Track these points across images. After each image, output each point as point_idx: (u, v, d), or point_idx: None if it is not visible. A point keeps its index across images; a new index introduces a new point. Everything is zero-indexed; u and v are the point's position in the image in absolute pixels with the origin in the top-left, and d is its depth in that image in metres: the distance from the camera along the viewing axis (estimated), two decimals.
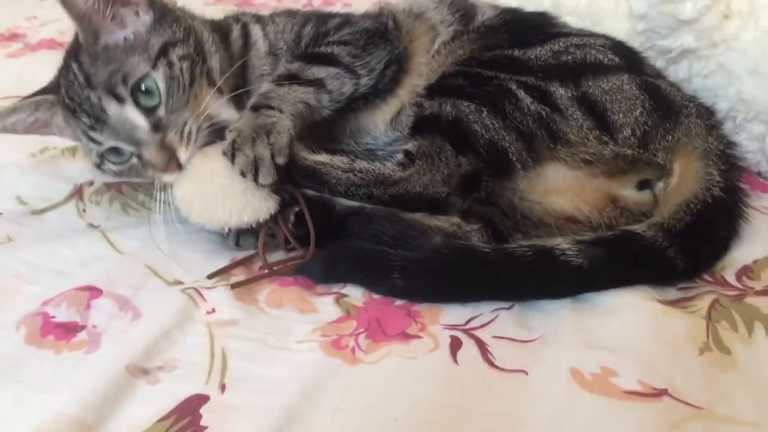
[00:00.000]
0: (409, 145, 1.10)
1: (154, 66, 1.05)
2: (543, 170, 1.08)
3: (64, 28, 1.91)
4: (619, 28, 1.35)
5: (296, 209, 1.05)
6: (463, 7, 1.31)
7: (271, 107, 1.06)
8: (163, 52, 1.07)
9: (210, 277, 1.02)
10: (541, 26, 1.28)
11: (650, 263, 1.00)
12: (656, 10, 1.23)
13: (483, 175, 1.06)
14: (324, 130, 1.17)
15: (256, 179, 1.00)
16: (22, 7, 2.12)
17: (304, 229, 1.04)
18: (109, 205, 1.19)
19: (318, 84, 1.12)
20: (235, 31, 1.24)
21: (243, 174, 1.00)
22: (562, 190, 1.08)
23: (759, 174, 1.30)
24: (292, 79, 1.12)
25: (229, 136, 1.03)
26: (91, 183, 1.22)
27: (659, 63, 1.31)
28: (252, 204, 1.02)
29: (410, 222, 1.04)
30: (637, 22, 1.29)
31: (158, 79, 1.04)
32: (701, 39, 1.25)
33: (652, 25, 1.26)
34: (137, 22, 1.09)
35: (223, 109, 1.10)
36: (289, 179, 1.04)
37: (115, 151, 1.07)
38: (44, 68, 1.62)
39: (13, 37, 1.89)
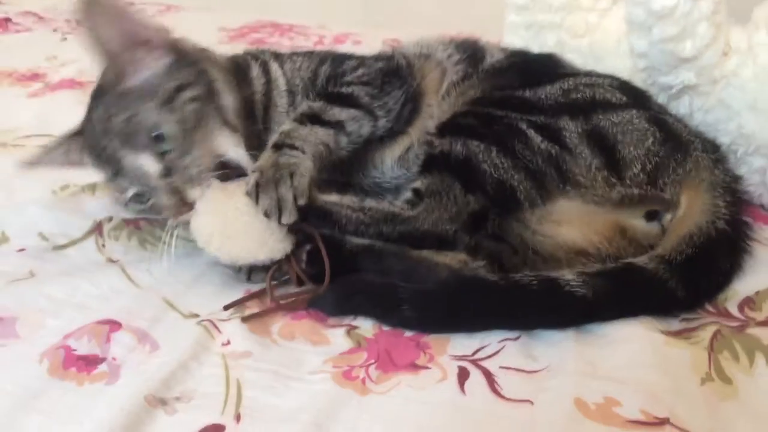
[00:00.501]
0: (418, 183, 1.13)
1: (165, 111, 1.08)
2: (553, 206, 1.10)
3: (84, 68, 1.96)
4: (622, 66, 1.39)
5: (308, 248, 1.08)
6: (471, 48, 1.36)
7: (293, 147, 1.09)
8: (174, 96, 1.10)
9: (226, 308, 1.05)
10: (550, 67, 1.32)
11: (652, 294, 1.03)
12: (657, 49, 1.26)
13: (490, 213, 1.09)
14: (332, 163, 1.19)
15: (279, 220, 1.02)
16: (43, 47, 2.17)
17: (316, 266, 1.07)
18: (128, 240, 1.23)
19: (338, 126, 1.16)
20: (255, 69, 1.28)
21: (267, 215, 1.03)
22: (573, 221, 1.11)
23: (762, 206, 1.33)
24: (313, 118, 1.15)
25: (252, 177, 1.05)
26: (110, 219, 1.26)
27: (661, 99, 1.34)
28: (269, 244, 1.05)
29: (418, 259, 1.07)
30: (639, 60, 1.32)
31: (169, 124, 1.08)
32: (701, 75, 1.28)
33: (654, 63, 1.30)
34: (157, 64, 1.13)
35: (231, 148, 1.12)
36: (303, 219, 1.07)
37: (137, 194, 1.12)
38: (64, 107, 1.70)
39: (34, 76, 1.94)
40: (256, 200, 1.03)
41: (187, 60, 1.17)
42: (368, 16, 2.70)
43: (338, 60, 1.34)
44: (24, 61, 2.03)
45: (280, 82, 1.28)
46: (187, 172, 1.07)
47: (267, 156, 1.08)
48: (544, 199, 1.10)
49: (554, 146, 1.11)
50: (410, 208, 1.10)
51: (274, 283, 1.08)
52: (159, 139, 1.07)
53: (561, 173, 1.10)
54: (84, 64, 1.99)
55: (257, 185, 1.04)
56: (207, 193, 1.07)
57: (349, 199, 1.11)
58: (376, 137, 1.23)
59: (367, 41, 2.14)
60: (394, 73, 1.28)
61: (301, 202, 1.04)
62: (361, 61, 1.34)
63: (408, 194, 1.13)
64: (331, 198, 1.10)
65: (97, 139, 1.12)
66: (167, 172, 1.08)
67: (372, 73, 1.27)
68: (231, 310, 1.05)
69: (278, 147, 1.10)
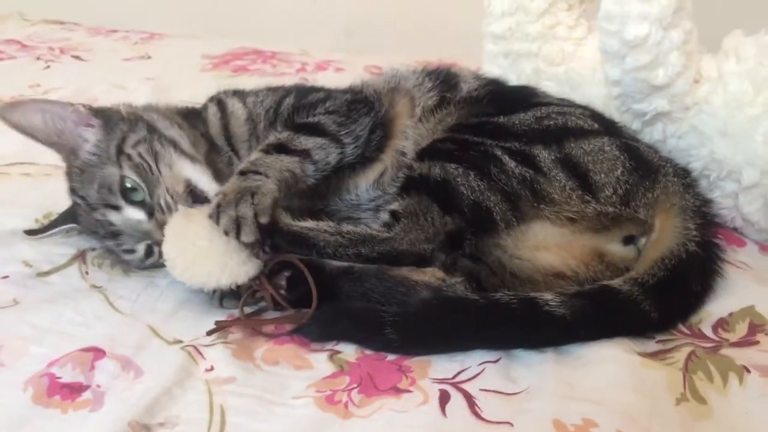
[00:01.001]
0: (396, 205, 1.14)
1: (120, 166, 1.15)
2: (528, 228, 1.12)
3: (68, 96, 1.98)
4: (597, 93, 1.42)
5: (287, 274, 1.10)
6: (444, 75, 1.38)
7: (257, 172, 1.12)
8: (120, 149, 1.17)
9: (209, 334, 1.06)
10: (524, 96, 1.35)
11: (627, 316, 1.05)
12: (630, 77, 1.30)
13: (466, 233, 1.11)
14: (307, 189, 1.22)
15: (238, 237, 1.04)
16: (27, 75, 2.18)
17: (296, 292, 1.09)
18: (111, 267, 1.23)
19: (304, 154, 1.18)
20: (211, 107, 1.35)
21: (226, 233, 1.05)
22: (550, 246, 1.13)
23: (735, 229, 1.36)
24: (279, 147, 1.17)
25: (215, 199, 1.08)
26: (93, 249, 1.27)
27: (635, 125, 1.37)
28: (230, 267, 1.06)
29: (398, 278, 1.08)
30: (613, 88, 1.35)
31: (129, 174, 1.15)
32: (674, 103, 1.31)
33: (627, 91, 1.33)
34: (94, 133, 1.21)
35: (194, 174, 1.18)
36: (274, 246, 1.09)
37: (148, 247, 1.17)
38: None
39: None
40: (217, 220, 1.05)
41: (115, 118, 1.23)
42: (351, 44, 2.73)
43: (303, 92, 1.38)
44: (7, 89, 2.03)
45: (239, 114, 1.33)
46: (164, 204, 1.13)
47: (231, 181, 1.11)
48: (519, 220, 1.11)
49: (528, 170, 1.14)
50: (387, 229, 1.11)
51: (250, 309, 1.11)
52: (129, 190, 1.15)
53: (535, 194, 1.12)
54: (67, 92, 2.01)
55: (218, 206, 1.06)
56: (171, 220, 1.10)
57: (325, 224, 1.12)
58: (346, 164, 1.25)
59: (350, 68, 2.17)
60: (362, 102, 1.31)
61: (263, 220, 1.05)
62: (328, 93, 1.37)
63: (385, 216, 1.15)
64: (307, 224, 1.11)
65: (87, 219, 1.19)
66: (151, 212, 1.14)
67: (339, 103, 1.30)
68: (214, 336, 1.06)
69: (243, 173, 1.12)
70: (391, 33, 2.74)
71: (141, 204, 1.14)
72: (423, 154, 1.19)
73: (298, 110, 1.30)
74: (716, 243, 1.18)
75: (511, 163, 1.14)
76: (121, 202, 1.14)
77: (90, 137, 1.20)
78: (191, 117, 1.34)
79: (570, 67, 1.49)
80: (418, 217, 1.11)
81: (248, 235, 1.04)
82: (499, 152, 1.16)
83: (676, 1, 1.23)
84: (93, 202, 1.16)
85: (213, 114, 1.33)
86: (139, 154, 1.16)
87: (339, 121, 1.25)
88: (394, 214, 1.13)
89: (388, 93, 1.36)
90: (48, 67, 2.29)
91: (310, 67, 2.30)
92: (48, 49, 2.45)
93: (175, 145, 1.21)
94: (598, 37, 1.33)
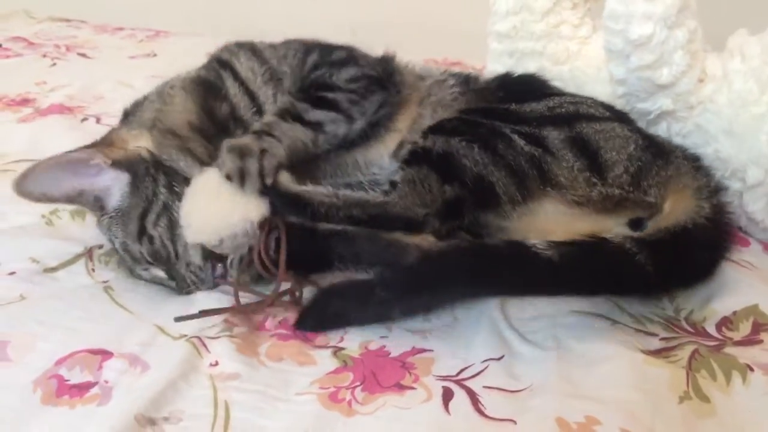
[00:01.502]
0: (397, 176, 1.14)
1: (141, 244, 1.16)
2: (533, 208, 1.12)
3: (74, 93, 1.99)
4: (601, 92, 1.42)
5: (276, 235, 1.09)
6: (464, 76, 1.41)
7: (271, 135, 1.13)
8: (142, 228, 1.16)
9: (177, 320, 1.06)
10: (537, 87, 1.36)
11: (619, 264, 1.04)
12: (635, 76, 1.30)
13: (466, 204, 1.10)
14: (330, 163, 1.25)
15: (241, 186, 1.06)
16: (33, 72, 2.19)
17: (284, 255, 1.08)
18: (117, 265, 1.24)
19: (317, 127, 1.19)
20: (228, 82, 1.32)
21: (229, 178, 1.06)
22: (555, 228, 1.12)
23: (739, 228, 1.36)
24: (295, 116, 1.19)
25: (224, 146, 1.10)
26: (100, 246, 1.27)
27: (640, 124, 1.37)
28: (241, 206, 1.07)
29: (389, 241, 1.08)
30: (618, 87, 1.36)
31: (149, 258, 1.16)
32: (678, 102, 1.32)
33: (632, 90, 1.33)
34: (118, 182, 1.18)
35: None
36: (271, 206, 1.09)
37: None
38: (54, 132, 1.72)
39: (24, 102, 1.95)
40: (222, 167, 1.08)
41: (141, 171, 1.18)
42: (356, 42, 2.73)
43: (326, 50, 1.36)
44: (14, 86, 2.04)
45: (255, 77, 1.32)
46: (189, 282, 1.17)
47: (244, 138, 1.12)
48: (524, 199, 1.10)
49: (537, 149, 1.13)
50: (383, 194, 1.12)
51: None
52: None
53: (542, 173, 1.11)
54: (73, 89, 2.02)
55: (227, 152, 1.08)
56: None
57: (323, 188, 1.12)
58: (351, 137, 1.25)
59: None
60: (379, 82, 1.30)
61: (267, 181, 1.07)
62: (351, 55, 1.35)
63: (385, 187, 1.15)
64: (305, 187, 1.12)
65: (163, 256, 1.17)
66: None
67: (359, 78, 1.29)
68: (218, 329, 1.06)
69: (256, 132, 1.13)
70: (396, 31, 2.72)
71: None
72: (428, 131, 1.19)
73: (320, 68, 1.30)
74: (728, 224, 1.17)
75: (520, 141, 1.13)
76: (152, 270, 1.18)
77: (114, 190, 1.18)
78: (209, 96, 1.30)
79: (575, 66, 1.50)
80: (415, 184, 1.10)
81: (251, 187, 1.06)
82: (508, 131, 1.15)
83: (681, 0, 1.23)
84: (122, 256, 1.19)
85: (231, 87, 1.31)
86: (159, 236, 1.15)
87: (353, 99, 1.25)
88: (392, 183, 1.13)
89: (411, 77, 1.37)
90: (54, 64, 2.30)
91: None
92: (54, 46, 2.46)
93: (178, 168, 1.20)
94: (603, 36, 1.33)
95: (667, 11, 1.23)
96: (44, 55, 2.37)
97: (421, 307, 1.03)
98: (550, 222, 1.12)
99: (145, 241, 1.16)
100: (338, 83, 1.28)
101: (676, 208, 1.13)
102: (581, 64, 1.49)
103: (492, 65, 1.61)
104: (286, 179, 1.12)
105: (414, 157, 1.15)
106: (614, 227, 1.13)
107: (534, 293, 1.02)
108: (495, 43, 1.58)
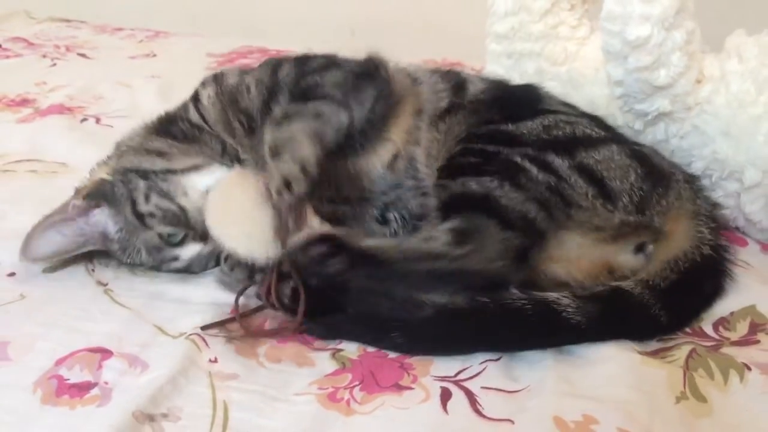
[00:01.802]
0: (449, 224, 1.07)
1: (150, 227, 1.17)
2: (561, 236, 1.11)
3: (73, 93, 2.00)
4: (599, 93, 1.43)
5: (292, 284, 1.07)
6: (454, 79, 1.38)
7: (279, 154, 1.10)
8: (138, 214, 1.17)
9: (204, 329, 1.06)
10: (529, 101, 1.34)
11: (637, 320, 1.05)
12: (632, 77, 1.30)
13: (529, 246, 1.07)
14: (329, 182, 1.20)
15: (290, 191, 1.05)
16: (33, 73, 2.19)
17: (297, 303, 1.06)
18: (117, 265, 1.24)
19: (316, 114, 1.16)
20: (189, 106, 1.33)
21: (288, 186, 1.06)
22: (572, 256, 1.12)
23: (737, 229, 1.37)
24: (289, 119, 1.16)
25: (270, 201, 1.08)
26: None
27: (637, 125, 1.38)
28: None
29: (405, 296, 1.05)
30: (616, 88, 1.36)
31: (162, 229, 1.17)
32: (676, 103, 1.32)
33: (629, 91, 1.33)
34: (104, 212, 1.20)
35: (211, 178, 1.18)
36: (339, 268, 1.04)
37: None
38: (54, 133, 1.72)
39: (24, 102, 1.95)
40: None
41: (109, 190, 1.20)
42: (355, 41, 2.74)
43: (302, 59, 1.33)
44: (13, 87, 2.05)
45: (212, 95, 1.31)
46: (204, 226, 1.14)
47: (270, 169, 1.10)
48: (555, 228, 1.09)
49: (550, 176, 1.12)
50: (456, 246, 1.04)
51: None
52: (175, 236, 1.17)
53: (564, 199, 1.10)
54: (73, 89, 2.03)
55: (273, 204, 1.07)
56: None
57: (386, 239, 1.12)
58: (356, 134, 1.21)
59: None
60: (368, 75, 1.26)
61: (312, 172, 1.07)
62: (331, 60, 1.32)
63: (444, 237, 1.06)
64: (372, 241, 1.08)
65: (171, 272, 1.20)
66: (204, 237, 1.16)
67: (345, 74, 1.26)
68: (216, 330, 1.07)
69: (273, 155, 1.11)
70: (395, 32, 2.75)
71: (191, 238, 1.17)
72: (451, 172, 1.16)
73: (299, 78, 1.27)
74: (725, 246, 1.18)
75: (533, 170, 1.13)
76: (175, 251, 1.17)
77: (104, 219, 1.20)
78: (168, 126, 1.31)
79: (573, 67, 1.50)
80: (481, 233, 1.05)
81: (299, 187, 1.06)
82: (518, 159, 1.14)
83: (679, 1, 1.23)
84: (154, 263, 1.19)
85: (192, 113, 1.31)
86: (157, 205, 1.17)
87: (344, 91, 1.22)
88: (454, 232, 1.06)
89: (399, 75, 1.33)
90: (54, 65, 2.31)
91: None
92: (54, 47, 2.47)
93: (172, 171, 1.20)
94: (601, 37, 1.34)
95: (665, 13, 1.23)
96: (44, 56, 2.38)
97: (436, 354, 1.02)
98: (570, 250, 1.12)
99: (149, 219, 1.16)
100: (323, 82, 1.24)
101: (677, 232, 1.14)
102: (579, 66, 1.49)
103: (491, 66, 1.61)
104: (353, 235, 1.07)
105: (455, 204, 1.11)
106: (619, 255, 1.13)
107: (555, 347, 1.02)
108: (493, 44, 1.59)
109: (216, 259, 1.20)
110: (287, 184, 1.06)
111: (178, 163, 1.21)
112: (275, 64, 1.34)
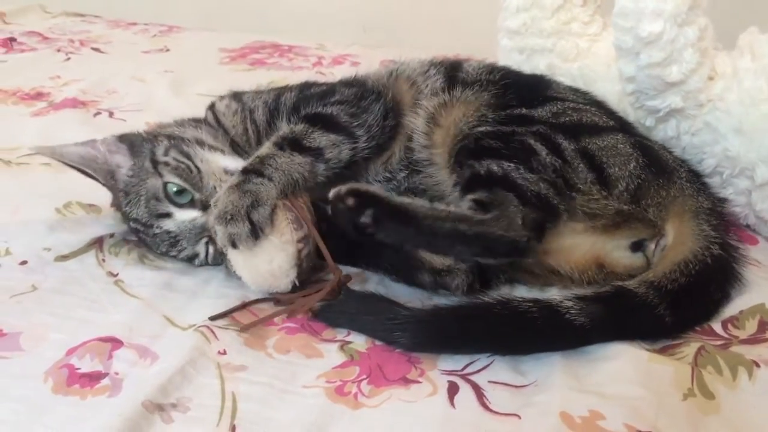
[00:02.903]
0: (475, 195, 1.12)
1: (161, 174, 1.18)
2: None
3: (87, 87, 2.01)
4: (611, 89, 1.43)
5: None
6: (448, 63, 1.40)
7: (261, 174, 1.12)
8: (155, 161, 1.20)
9: (212, 319, 1.08)
10: (539, 89, 1.35)
11: (640, 320, 1.04)
12: (644, 73, 1.30)
13: (546, 222, 1.10)
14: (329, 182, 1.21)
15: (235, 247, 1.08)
16: (47, 67, 2.21)
17: None
18: (128, 255, 1.25)
19: (317, 153, 1.18)
20: (207, 113, 1.39)
21: (228, 245, 1.09)
22: (567, 245, 1.13)
23: (747, 227, 1.36)
24: (294, 143, 1.18)
25: (212, 216, 1.11)
26: (111, 235, 1.29)
27: (649, 122, 1.38)
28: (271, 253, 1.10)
29: (408, 253, 1.13)
30: (627, 84, 1.36)
31: (171, 179, 1.17)
32: (687, 99, 1.31)
33: (641, 87, 1.33)
34: (124, 157, 1.25)
35: (232, 163, 1.19)
36: (375, 219, 1.08)
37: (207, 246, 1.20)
38: (67, 126, 1.73)
39: (38, 96, 1.97)
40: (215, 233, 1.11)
41: (138, 140, 1.28)
42: (367, 38, 2.74)
43: (305, 85, 1.40)
44: (28, 81, 2.06)
45: (233, 108, 1.36)
46: (212, 194, 1.15)
47: (231, 185, 1.11)
48: (566, 207, 1.12)
49: (557, 159, 1.14)
50: (481, 211, 1.09)
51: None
52: (175, 194, 1.18)
53: (567, 182, 1.13)
54: (87, 83, 2.04)
55: (217, 219, 1.09)
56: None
57: (419, 200, 1.12)
58: (359, 158, 1.24)
59: (366, 62, 2.17)
60: (369, 91, 1.31)
61: (262, 234, 1.08)
62: (331, 86, 1.38)
63: (469, 204, 1.12)
64: (404, 199, 1.12)
65: (148, 237, 1.22)
66: (202, 207, 1.17)
67: (348, 93, 1.31)
68: (226, 322, 1.08)
69: (246, 172, 1.13)
70: (407, 28, 2.75)
71: (190, 204, 1.17)
72: (475, 154, 1.18)
73: (300, 103, 1.31)
74: (734, 245, 1.17)
75: (543, 151, 1.15)
76: (171, 208, 1.17)
77: (122, 162, 1.25)
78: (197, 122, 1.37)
79: (584, 64, 1.50)
80: (503, 204, 1.09)
81: (247, 247, 1.08)
82: (531, 140, 1.17)
83: None
84: (146, 219, 1.19)
85: (210, 118, 1.37)
86: (174, 158, 1.19)
87: (351, 111, 1.25)
88: (478, 202, 1.11)
89: (389, 80, 1.37)
90: (68, 59, 2.33)
91: (326, 61, 2.32)
92: (68, 41, 2.49)
93: (200, 142, 1.23)
94: (613, 33, 1.33)
95: (677, 8, 1.23)
96: (58, 50, 2.40)
97: (440, 353, 1.03)
98: (563, 236, 1.13)
99: (162, 167, 1.19)
100: (330, 101, 1.29)
101: (682, 232, 1.13)
102: (591, 62, 1.49)
103: (502, 61, 1.61)
104: (381, 190, 1.13)
105: (480, 181, 1.14)
106: (615, 251, 1.14)
107: (560, 350, 1.02)
108: (505, 39, 1.59)
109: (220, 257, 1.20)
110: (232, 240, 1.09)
111: (208, 139, 1.26)
112: (281, 89, 1.41)
